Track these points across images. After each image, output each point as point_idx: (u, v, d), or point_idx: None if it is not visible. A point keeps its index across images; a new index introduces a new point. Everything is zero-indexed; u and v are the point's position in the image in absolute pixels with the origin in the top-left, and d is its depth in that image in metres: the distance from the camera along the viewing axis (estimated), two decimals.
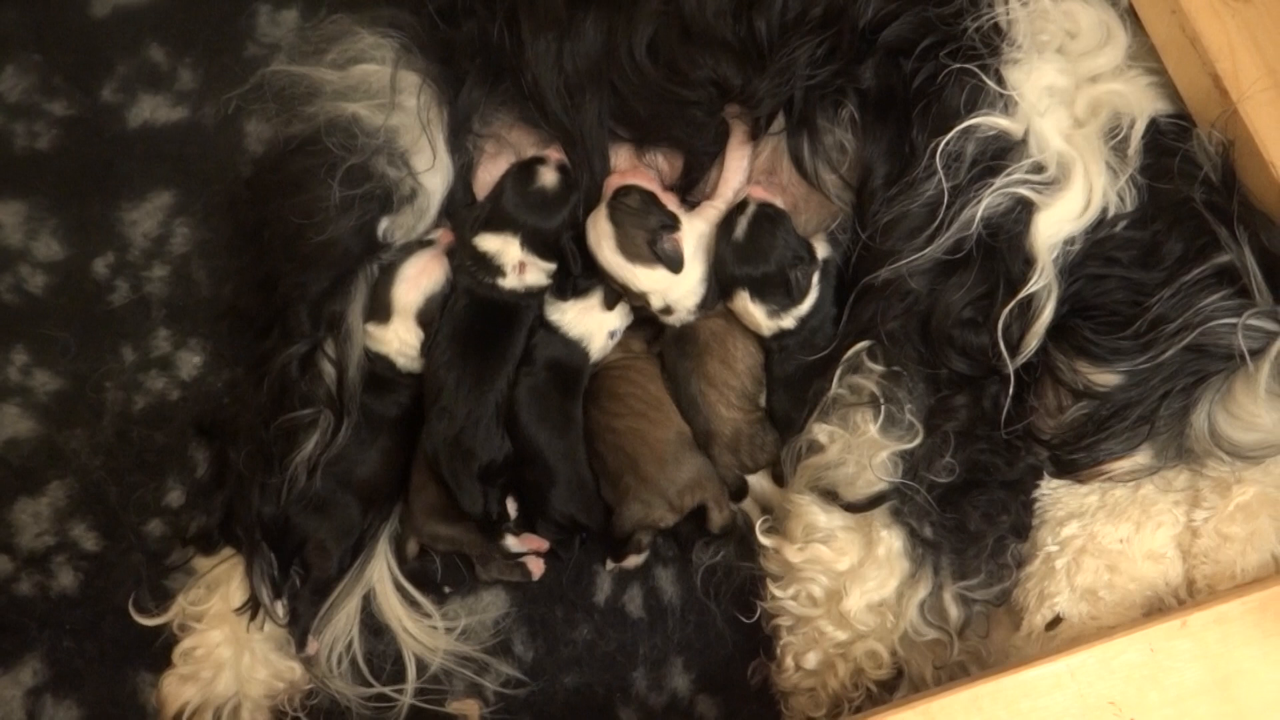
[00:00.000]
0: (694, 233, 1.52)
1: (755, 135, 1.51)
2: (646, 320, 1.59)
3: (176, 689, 1.46)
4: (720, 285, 1.51)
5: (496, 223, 1.52)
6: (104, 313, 1.68)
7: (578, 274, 1.53)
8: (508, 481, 1.52)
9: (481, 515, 1.49)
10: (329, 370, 1.45)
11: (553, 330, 1.54)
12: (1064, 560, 1.36)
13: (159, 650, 1.50)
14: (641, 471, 1.48)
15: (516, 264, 1.51)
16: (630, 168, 1.57)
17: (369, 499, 1.51)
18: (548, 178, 1.52)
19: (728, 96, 1.49)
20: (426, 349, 1.52)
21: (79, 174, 1.74)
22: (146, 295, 1.68)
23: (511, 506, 1.52)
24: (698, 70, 1.47)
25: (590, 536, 1.53)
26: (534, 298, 1.54)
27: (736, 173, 1.55)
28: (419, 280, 1.52)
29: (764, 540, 1.44)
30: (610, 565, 1.55)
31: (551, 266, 1.53)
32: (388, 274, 1.52)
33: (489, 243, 1.52)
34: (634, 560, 1.54)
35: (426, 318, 1.51)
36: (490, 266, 1.51)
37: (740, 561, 1.51)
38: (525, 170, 1.53)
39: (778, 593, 1.43)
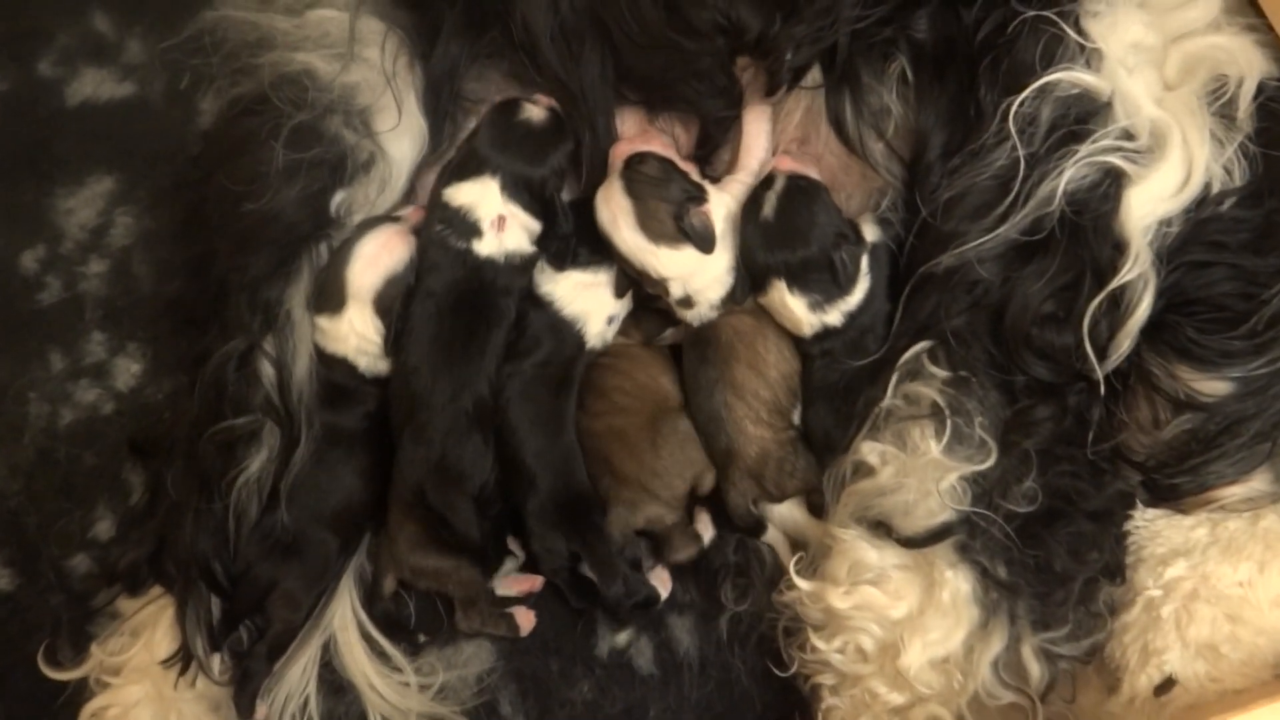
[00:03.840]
0: (722, 208, 1.40)
1: (773, 94, 1.40)
2: (654, 311, 1.47)
3: None
4: (751, 276, 1.40)
5: (472, 167, 1.40)
6: (31, 313, 1.60)
7: (568, 231, 1.41)
8: (503, 513, 1.42)
9: (480, 545, 1.40)
10: (268, 370, 1.35)
11: (543, 306, 1.42)
12: (1171, 608, 1.24)
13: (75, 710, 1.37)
14: (616, 469, 1.39)
15: (495, 218, 1.38)
16: (640, 133, 1.45)
17: (346, 532, 1.42)
18: (534, 113, 1.41)
19: (741, 48, 1.37)
20: (390, 345, 1.39)
21: (9, 156, 1.67)
22: (80, 294, 1.61)
23: (514, 545, 1.45)
24: (704, 12, 1.35)
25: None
26: (514, 277, 1.40)
27: (759, 141, 1.43)
28: (378, 258, 1.38)
29: (801, 583, 1.32)
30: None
31: (536, 227, 1.41)
32: (340, 253, 1.39)
33: (464, 193, 1.39)
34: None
35: (386, 303, 1.38)
36: (464, 224, 1.38)
37: (773, 609, 1.38)
38: (506, 106, 1.42)
39: (820, 645, 1.31)
